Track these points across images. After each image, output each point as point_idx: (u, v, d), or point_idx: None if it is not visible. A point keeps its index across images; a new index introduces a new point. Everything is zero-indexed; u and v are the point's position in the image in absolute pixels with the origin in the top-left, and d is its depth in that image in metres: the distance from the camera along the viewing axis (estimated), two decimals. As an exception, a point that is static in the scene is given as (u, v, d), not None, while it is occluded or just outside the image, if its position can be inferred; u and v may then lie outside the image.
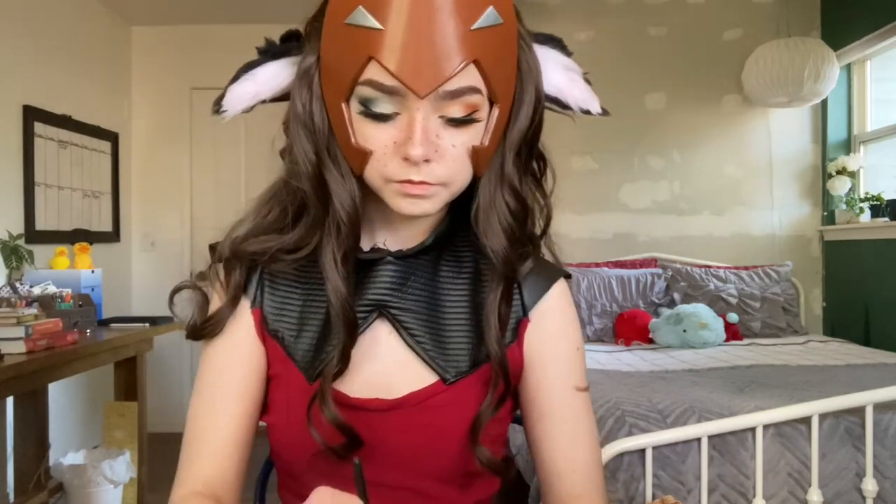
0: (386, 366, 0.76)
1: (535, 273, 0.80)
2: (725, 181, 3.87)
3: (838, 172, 3.64)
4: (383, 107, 0.66)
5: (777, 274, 3.61)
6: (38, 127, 3.08)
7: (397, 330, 0.77)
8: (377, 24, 0.63)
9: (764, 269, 3.64)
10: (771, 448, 1.79)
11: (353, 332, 0.73)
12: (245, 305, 0.79)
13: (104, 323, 2.89)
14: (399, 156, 0.67)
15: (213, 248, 0.80)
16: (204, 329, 0.78)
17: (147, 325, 2.87)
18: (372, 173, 0.70)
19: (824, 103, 3.75)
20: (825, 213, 3.82)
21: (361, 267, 0.77)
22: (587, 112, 0.77)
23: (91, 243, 3.14)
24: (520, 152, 0.75)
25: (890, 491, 1.78)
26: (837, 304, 3.74)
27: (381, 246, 0.78)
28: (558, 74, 0.76)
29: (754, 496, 1.75)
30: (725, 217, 3.88)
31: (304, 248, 0.76)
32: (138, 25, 4.11)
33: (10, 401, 2.60)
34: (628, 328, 3.35)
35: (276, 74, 0.74)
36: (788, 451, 1.80)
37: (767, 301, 3.50)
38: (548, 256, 0.83)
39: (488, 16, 0.64)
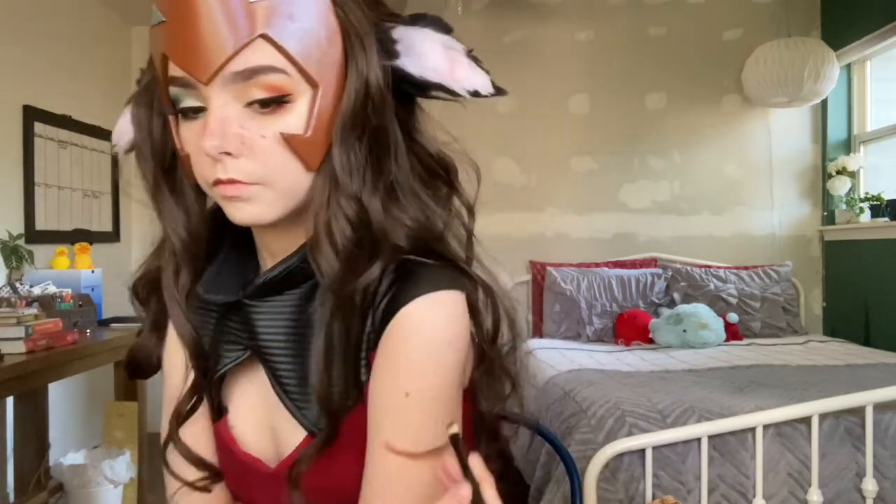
0: (265, 413, 0.72)
1: (395, 292, 0.64)
2: (725, 181, 3.87)
3: (838, 172, 3.64)
4: (188, 101, 0.61)
5: (777, 274, 3.61)
6: (38, 127, 3.08)
7: (268, 375, 0.68)
8: (161, 17, 0.59)
9: (764, 269, 3.65)
10: (771, 448, 1.79)
11: (205, 373, 0.70)
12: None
13: (104, 323, 2.89)
14: (204, 153, 0.61)
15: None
16: (137, 364, 0.76)
17: (147, 325, 2.86)
18: (199, 180, 0.64)
19: (824, 103, 3.75)
20: (825, 213, 3.82)
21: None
22: (476, 94, 0.64)
23: (91, 243, 3.13)
24: (357, 145, 0.62)
25: (890, 491, 1.78)
26: (837, 304, 3.74)
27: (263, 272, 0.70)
28: (437, 55, 0.64)
29: (754, 496, 1.75)
30: (725, 217, 3.87)
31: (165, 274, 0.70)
32: (138, 25, 4.10)
33: (10, 401, 2.60)
34: (628, 328, 3.36)
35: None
36: (788, 451, 1.80)
37: (767, 301, 3.50)
38: (480, 271, 0.69)
39: None
